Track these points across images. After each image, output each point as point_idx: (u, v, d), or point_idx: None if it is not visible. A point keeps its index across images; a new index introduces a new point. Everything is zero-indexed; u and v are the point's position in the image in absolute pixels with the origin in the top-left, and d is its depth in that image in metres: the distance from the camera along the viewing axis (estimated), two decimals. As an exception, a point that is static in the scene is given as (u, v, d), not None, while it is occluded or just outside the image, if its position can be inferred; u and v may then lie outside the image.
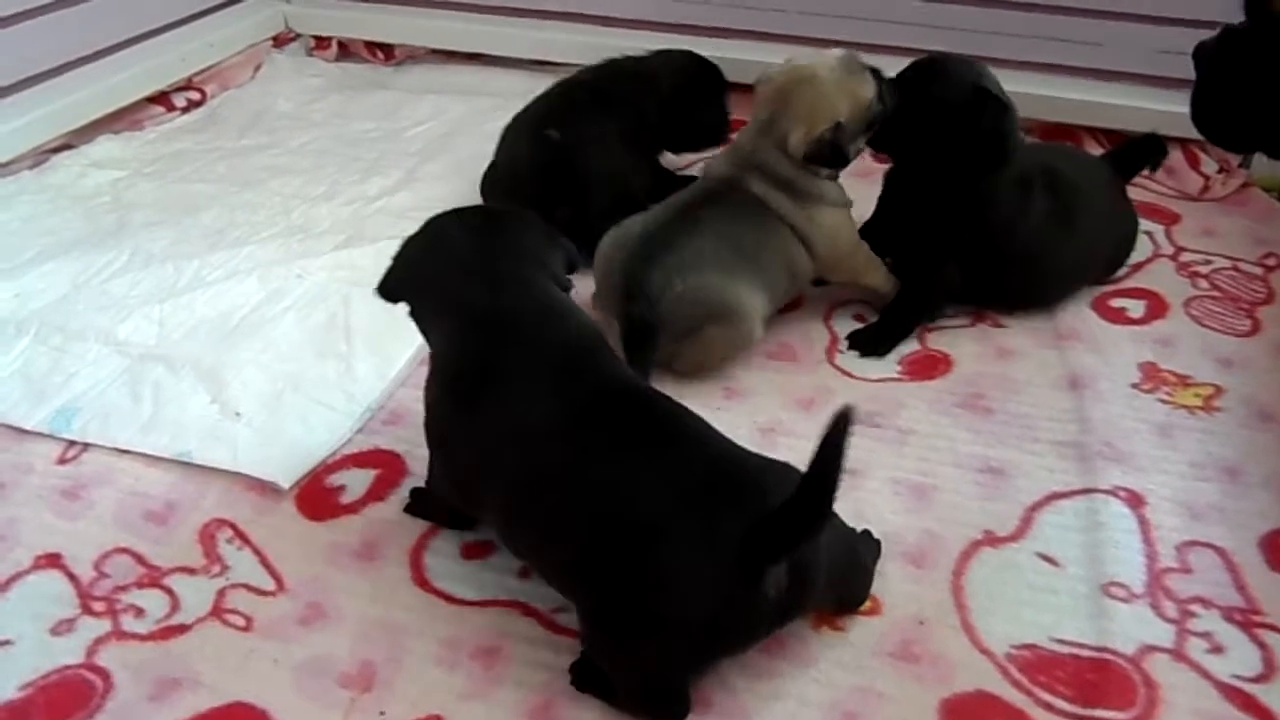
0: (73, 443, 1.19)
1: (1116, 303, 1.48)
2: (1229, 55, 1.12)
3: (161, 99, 1.99)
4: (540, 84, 1.85)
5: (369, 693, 0.90)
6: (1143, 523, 1.09)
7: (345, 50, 2.25)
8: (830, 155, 1.25)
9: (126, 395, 1.24)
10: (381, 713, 0.88)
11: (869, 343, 1.36)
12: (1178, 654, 0.94)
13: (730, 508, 0.81)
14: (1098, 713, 0.89)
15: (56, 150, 1.80)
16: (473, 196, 1.62)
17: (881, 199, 1.45)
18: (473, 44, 2.16)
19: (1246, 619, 0.98)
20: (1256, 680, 0.92)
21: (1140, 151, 1.54)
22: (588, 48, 1.87)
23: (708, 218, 1.28)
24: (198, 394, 1.24)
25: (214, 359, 1.29)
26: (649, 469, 0.84)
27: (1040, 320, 1.43)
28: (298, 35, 2.25)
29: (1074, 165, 1.49)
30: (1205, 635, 0.96)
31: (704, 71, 1.63)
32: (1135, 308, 1.47)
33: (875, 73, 1.30)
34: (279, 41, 2.24)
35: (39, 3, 1.76)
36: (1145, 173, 1.60)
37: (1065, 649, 0.94)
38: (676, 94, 1.59)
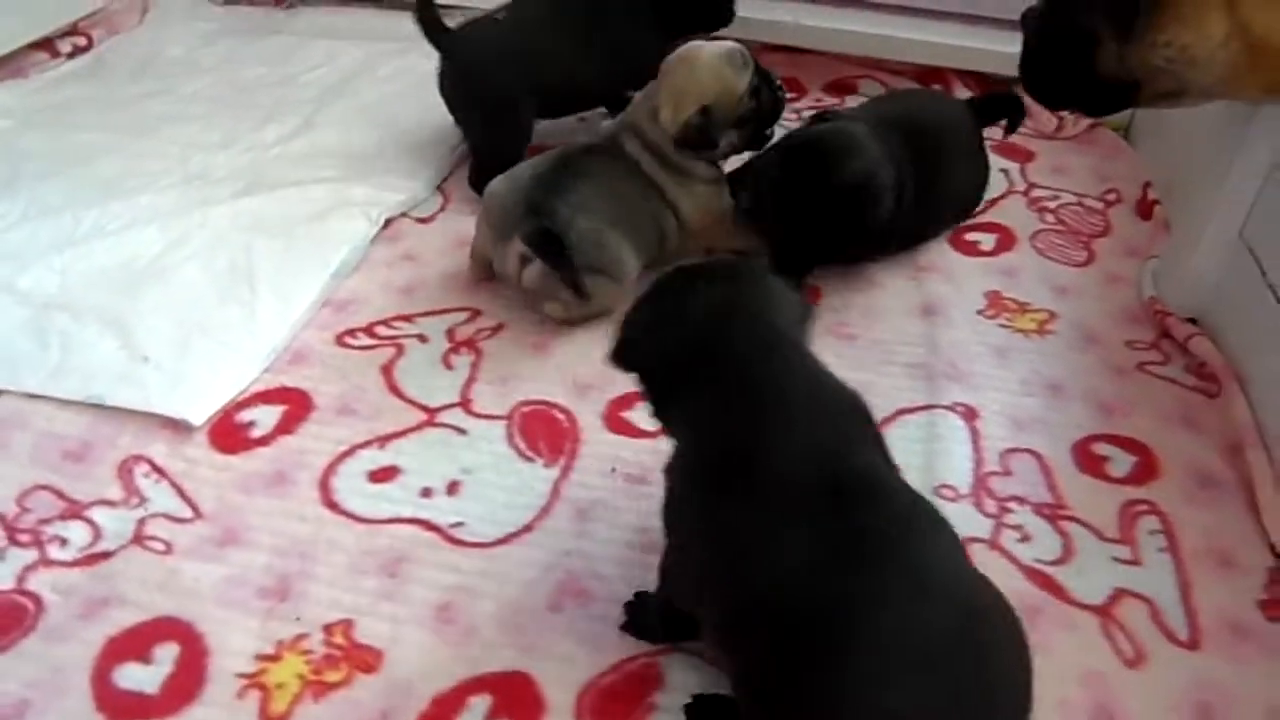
0: (-17, 388, 1.23)
1: (971, 236, 1.62)
2: (1052, 19, 1.24)
3: (46, 45, 1.97)
4: None
5: (285, 602, 1.00)
6: (974, 433, 1.24)
7: (236, -7, 2.25)
8: (697, 139, 1.34)
9: (34, 343, 1.28)
10: (297, 618, 0.98)
11: (791, 267, 1.43)
12: (992, 543, 1.09)
13: None
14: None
15: None
16: (371, 145, 1.67)
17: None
18: (367, -12, 2.17)
19: (1053, 512, 1.14)
20: (1055, 563, 1.08)
21: (1000, 105, 1.67)
22: None
23: (594, 170, 1.37)
24: (105, 340, 1.29)
25: (118, 306, 1.34)
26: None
27: (903, 254, 1.57)
28: (186, -23, 2.24)
29: (935, 113, 1.60)
30: (1017, 527, 1.11)
31: None
32: (987, 241, 1.62)
33: (761, 73, 1.38)
34: (166, -16, 2.22)
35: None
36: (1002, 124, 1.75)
37: None
38: None
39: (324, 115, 1.81)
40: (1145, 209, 1.68)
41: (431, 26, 1.57)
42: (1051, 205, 1.71)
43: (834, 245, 1.43)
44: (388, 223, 1.54)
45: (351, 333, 1.36)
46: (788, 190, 1.37)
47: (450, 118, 1.66)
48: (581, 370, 1.30)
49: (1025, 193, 1.75)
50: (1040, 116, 1.93)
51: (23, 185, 1.59)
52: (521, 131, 1.61)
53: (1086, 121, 1.93)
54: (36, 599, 0.99)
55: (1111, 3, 1.15)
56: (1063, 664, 0.97)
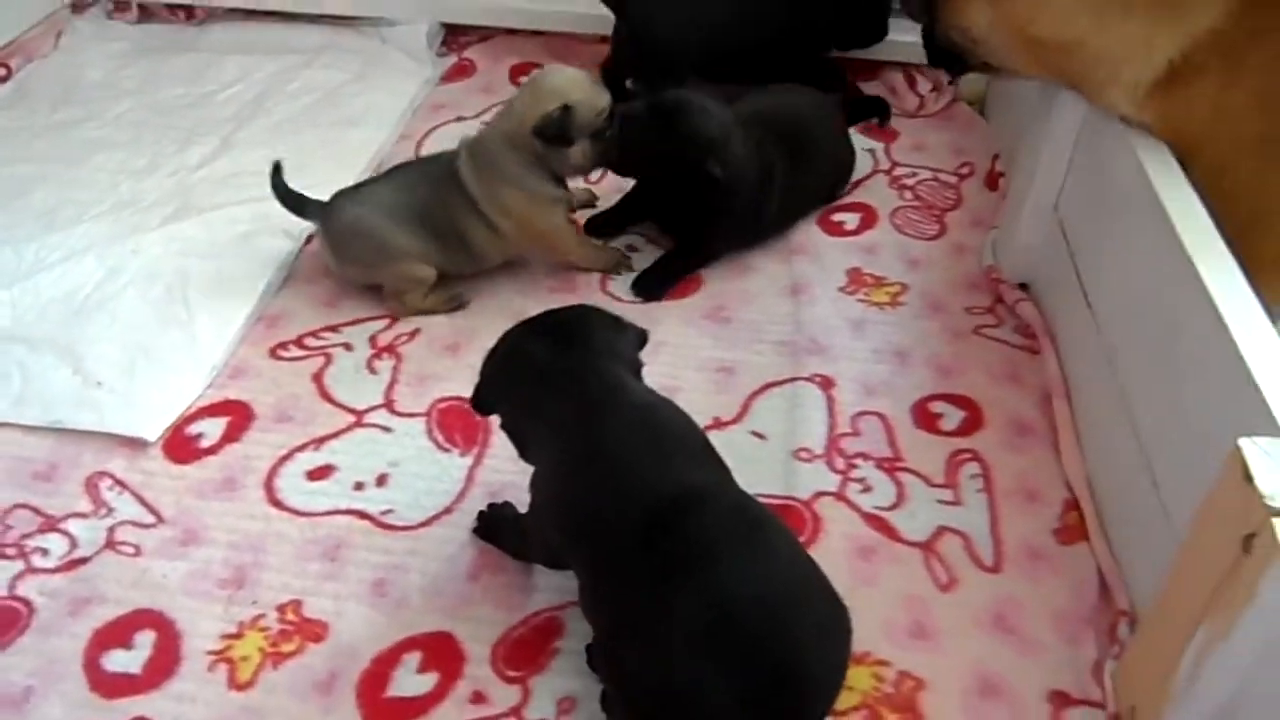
0: (-49, 421, 1.38)
1: (837, 217, 1.81)
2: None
3: (-38, 78, 2.06)
4: (340, 39, 2.05)
5: (242, 589, 1.18)
6: (830, 400, 1.44)
7: (145, 12, 2.33)
8: (555, 132, 1.46)
9: (-7, 374, 1.43)
10: (254, 601, 1.16)
11: (647, 288, 1.62)
12: (839, 495, 1.30)
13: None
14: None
15: None
16: (289, 162, 1.80)
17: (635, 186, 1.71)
18: (271, 2, 2.26)
19: (891, 465, 1.35)
20: (890, 509, 1.29)
21: (868, 107, 1.95)
22: (382, 4, 2.07)
23: (403, 173, 1.58)
24: (60, 368, 1.43)
25: (68, 336, 1.48)
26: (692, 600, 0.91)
27: (776, 238, 1.76)
28: (94, 0, 2.32)
29: (799, 105, 1.78)
30: (860, 480, 1.33)
31: None
32: (851, 220, 1.81)
33: (611, 99, 1.53)
34: (77, 7, 2.30)
35: None
36: (874, 123, 1.98)
37: (762, 498, 1.25)
38: None
39: (242, 134, 1.94)
40: (992, 181, 1.88)
41: None
42: (910, 182, 1.91)
43: (687, 201, 1.61)
44: (309, 238, 1.69)
45: (284, 345, 1.52)
46: (647, 137, 1.54)
47: (356, 131, 1.83)
48: (490, 367, 1.48)
49: (889, 171, 1.94)
50: (904, 96, 2.13)
51: (-38, 221, 1.71)
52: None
53: (945, 98, 2.13)
54: (27, 603, 1.16)
55: None
56: (888, 591, 1.19)
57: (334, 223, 1.53)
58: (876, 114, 2.01)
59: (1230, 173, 1.22)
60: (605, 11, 2.03)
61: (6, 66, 2.12)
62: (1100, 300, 1.36)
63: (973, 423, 1.42)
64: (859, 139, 1.97)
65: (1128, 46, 1.25)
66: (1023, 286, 1.63)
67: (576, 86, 1.49)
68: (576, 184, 1.68)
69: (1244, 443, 0.84)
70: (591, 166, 1.57)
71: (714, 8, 1.93)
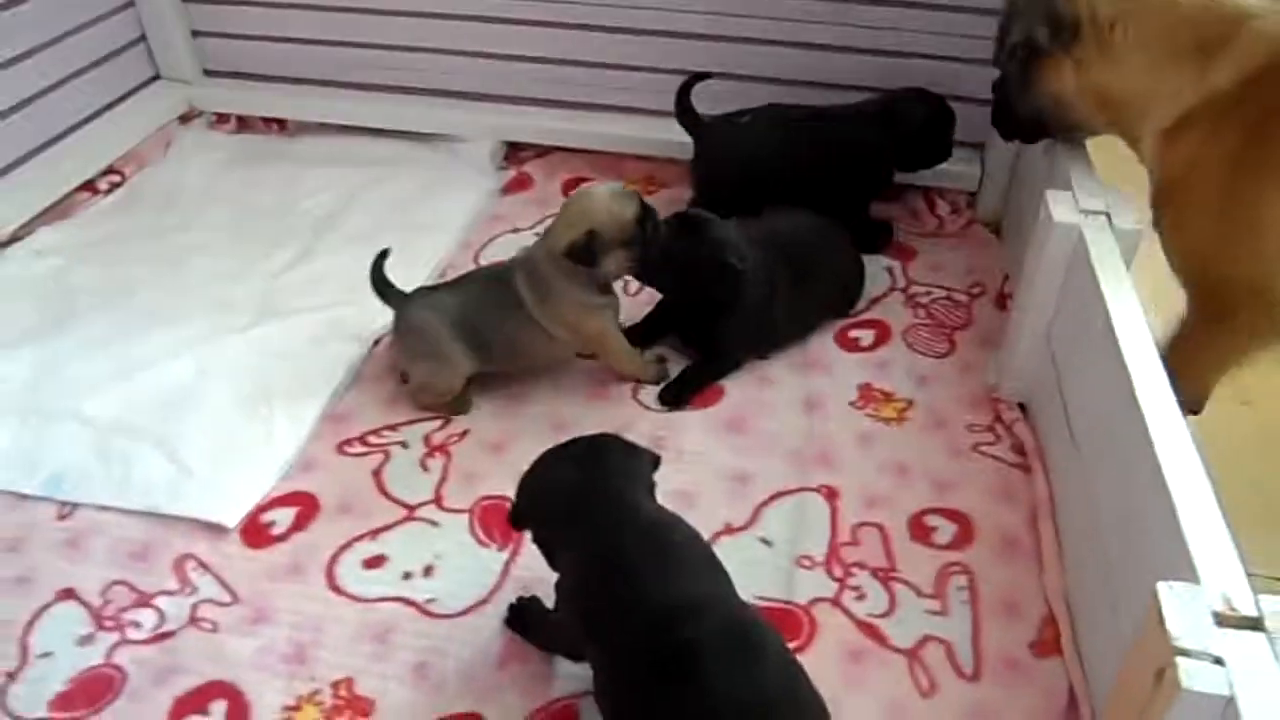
0: (65, 503, 1.58)
1: (854, 333, 1.97)
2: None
3: (87, 184, 2.31)
4: (415, 152, 2.34)
5: (303, 666, 1.35)
6: (833, 511, 1.58)
7: (243, 123, 2.61)
8: (581, 253, 1.63)
9: (99, 462, 1.63)
10: (312, 677, 1.33)
11: (672, 399, 1.79)
12: (834, 601, 1.44)
13: None
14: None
15: (5, 244, 2.12)
16: (360, 271, 2.01)
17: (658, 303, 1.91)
18: (356, 118, 2.52)
19: (886, 575, 1.49)
20: (881, 616, 1.42)
21: (876, 231, 2.13)
22: (452, 122, 2.36)
23: (468, 284, 1.78)
24: (156, 457, 1.64)
25: (164, 428, 1.69)
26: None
27: (795, 351, 1.92)
28: (200, 112, 2.60)
29: (805, 228, 1.94)
30: (856, 588, 1.46)
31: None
32: (866, 337, 1.96)
33: (643, 204, 1.69)
34: (184, 119, 2.58)
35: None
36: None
37: (763, 602, 1.42)
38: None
39: (321, 243, 2.16)
40: (1001, 301, 2.02)
41: (689, 118, 2.08)
42: (924, 301, 2.06)
43: (702, 306, 1.79)
44: (376, 341, 1.90)
45: (349, 441, 1.71)
46: (675, 244, 1.73)
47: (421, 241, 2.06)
48: (529, 468, 1.66)
49: (905, 289, 2.09)
50: (923, 218, 2.30)
51: (79, 319, 1.93)
52: (735, 201, 1.96)
53: (962, 220, 2.29)
54: (121, 670, 1.35)
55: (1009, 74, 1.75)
56: (873, 695, 1.32)
57: (403, 318, 1.75)
58: (879, 235, 2.19)
59: (1195, 209, 1.51)
60: (647, 134, 2.24)
61: (121, 174, 2.38)
62: (1078, 428, 1.49)
63: (964, 537, 1.55)
64: (879, 258, 2.14)
65: (1171, 94, 1.51)
66: (1022, 407, 1.76)
67: (602, 208, 1.66)
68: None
69: (1160, 586, 0.97)
70: (629, 270, 1.74)
71: (782, 144, 2.07)
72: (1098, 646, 1.30)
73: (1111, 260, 1.48)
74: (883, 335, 1.96)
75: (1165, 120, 1.51)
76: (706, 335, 1.84)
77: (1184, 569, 1.01)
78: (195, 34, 2.57)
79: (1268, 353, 1.58)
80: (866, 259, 2.09)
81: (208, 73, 2.63)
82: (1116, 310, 1.37)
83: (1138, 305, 1.40)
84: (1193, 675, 0.89)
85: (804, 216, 1.95)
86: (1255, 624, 0.95)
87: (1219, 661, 0.91)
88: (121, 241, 2.19)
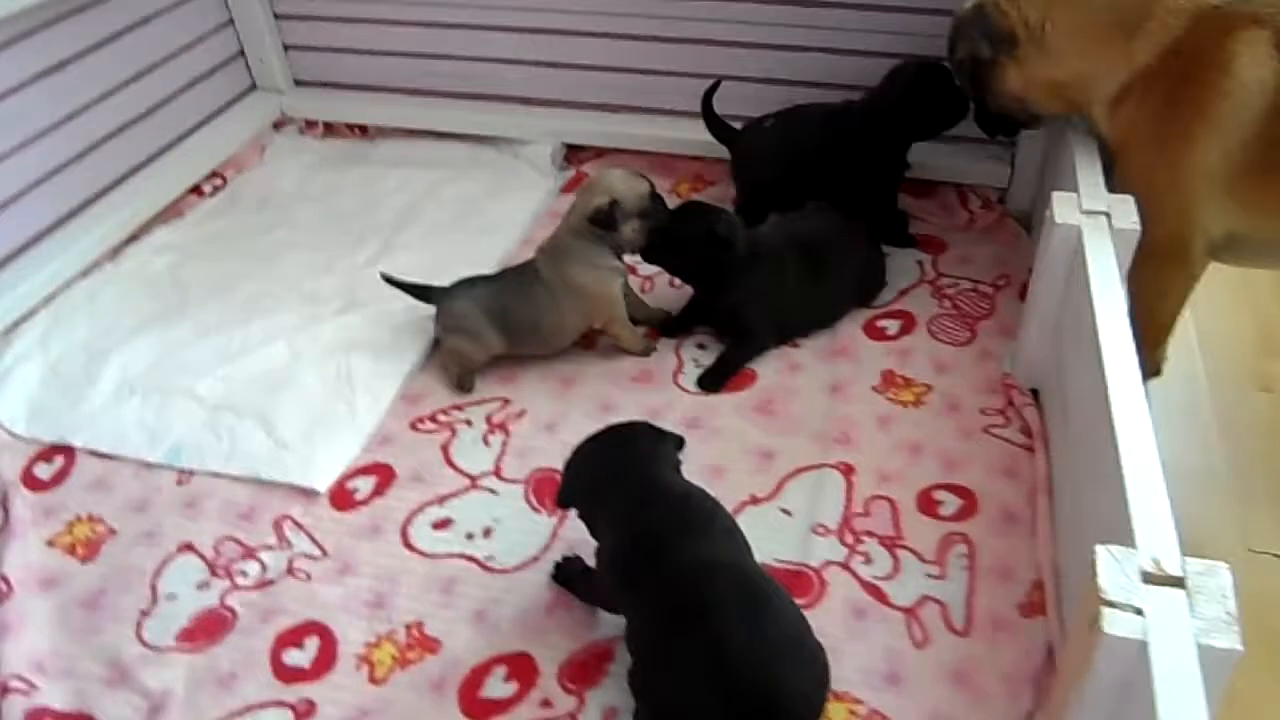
0: (183, 470, 1.85)
1: (881, 323, 2.11)
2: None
3: (194, 188, 2.59)
4: (482, 154, 2.57)
5: (381, 610, 1.59)
6: (849, 485, 1.75)
7: (330, 129, 2.86)
8: (605, 219, 1.85)
9: (211, 435, 1.89)
10: (389, 620, 1.57)
11: (709, 382, 1.98)
12: (844, 565, 1.62)
13: None
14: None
15: (125, 242, 2.40)
16: (434, 264, 2.23)
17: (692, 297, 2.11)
18: (429, 123, 2.76)
19: (892, 542, 1.65)
20: (884, 578, 1.59)
21: (906, 223, 2.28)
22: (516, 126, 2.60)
23: (503, 275, 2.03)
24: (257, 432, 1.89)
25: (264, 406, 1.94)
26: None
27: (825, 340, 2.08)
28: (291, 120, 2.86)
29: (823, 226, 2.08)
30: (864, 554, 1.64)
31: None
32: (892, 326, 2.11)
33: (650, 185, 1.93)
34: (277, 125, 2.84)
35: (103, 133, 2.39)
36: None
37: (779, 564, 1.61)
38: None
39: (399, 239, 2.39)
40: (1024, 292, 2.15)
41: (718, 129, 2.33)
42: (951, 292, 2.19)
43: (711, 284, 2.00)
44: (446, 330, 2.12)
45: (421, 419, 1.94)
46: (669, 230, 1.95)
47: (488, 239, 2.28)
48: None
49: (933, 281, 2.22)
50: (955, 212, 2.42)
51: (191, 310, 2.20)
52: (773, 200, 2.18)
53: (993, 215, 2.41)
54: (233, 611, 1.60)
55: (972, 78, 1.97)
56: (871, 644, 1.50)
57: (445, 306, 1.99)
58: (898, 231, 2.33)
59: (1132, 167, 1.75)
60: (696, 135, 2.42)
61: (223, 178, 2.65)
62: (1073, 413, 1.63)
63: (968, 510, 1.70)
64: (911, 252, 2.28)
65: (1106, 72, 1.74)
66: (1034, 392, 1.90)
67: (621, 182, 1.92)
68: (655, 302, 2.10)
69: (1099, 549, 1.13)
70: (643, 240, 1.95)
71: (805, 140, 2.24)
72: (1075, 608, 1.45)
73: (1105, 259, 1.61)
74: (908, 325, 2.11)
75: (1108, 94, 1.75)
76: (728, 318, 2.03)
77: (1127, 536, 1.17)
78: (287, 48, 2.83)
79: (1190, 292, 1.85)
80: (899, 253, 2.25)
81: (298, 83, 2.89)
82: (1100, 306, 1.51)
83: (1123, 302, 1.53)
84: (1113, 622, 1.06)
85: (825, 212, 2.10)
86: (1178, 582, 1.10)
87: (1139, 612, 1.07)
88: (224, 239, 2.46)
